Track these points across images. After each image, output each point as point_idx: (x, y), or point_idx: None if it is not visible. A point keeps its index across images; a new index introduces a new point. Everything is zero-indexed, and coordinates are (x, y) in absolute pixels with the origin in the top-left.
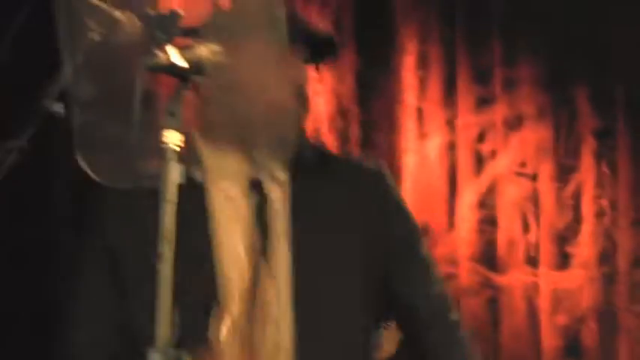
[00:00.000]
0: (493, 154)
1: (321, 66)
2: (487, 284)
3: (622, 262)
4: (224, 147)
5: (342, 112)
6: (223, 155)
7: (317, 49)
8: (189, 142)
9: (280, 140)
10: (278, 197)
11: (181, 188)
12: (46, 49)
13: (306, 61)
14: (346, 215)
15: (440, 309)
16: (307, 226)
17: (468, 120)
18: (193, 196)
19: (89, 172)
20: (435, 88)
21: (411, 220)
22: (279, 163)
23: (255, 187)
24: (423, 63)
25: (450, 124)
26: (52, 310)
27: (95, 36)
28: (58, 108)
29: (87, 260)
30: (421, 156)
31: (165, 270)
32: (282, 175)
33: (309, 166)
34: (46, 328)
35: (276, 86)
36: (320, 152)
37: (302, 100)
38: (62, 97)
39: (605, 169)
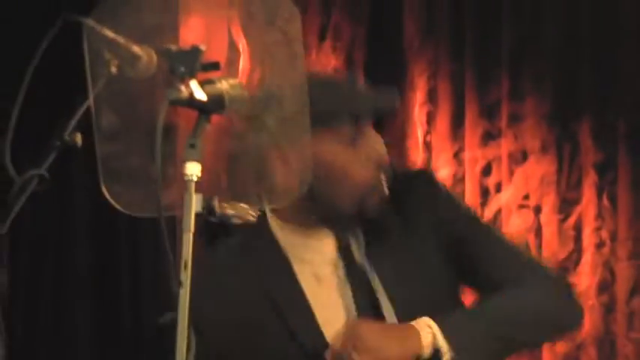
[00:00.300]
0: (498, 186)
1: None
2: None
3: (620, 291)
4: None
5: None
6: (291, 230)
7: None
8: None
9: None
10: (356, 253)
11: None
12: (65, 79)
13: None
14: (416, 232)
15: (508, 274)
16: (389, 268)
17: (474, 154)
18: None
19: (113, 202)
20: (443, 122)
21: (460, 206)
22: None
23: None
24: (431, 98)
25: (457, 157)
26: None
27: (113, 69)
28: (76, 139)
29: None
30: None
31: (184, 295)
32: (357, 232)
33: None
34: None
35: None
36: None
37: (376, 169)
38: (80, 128)
39: (605, 201)
